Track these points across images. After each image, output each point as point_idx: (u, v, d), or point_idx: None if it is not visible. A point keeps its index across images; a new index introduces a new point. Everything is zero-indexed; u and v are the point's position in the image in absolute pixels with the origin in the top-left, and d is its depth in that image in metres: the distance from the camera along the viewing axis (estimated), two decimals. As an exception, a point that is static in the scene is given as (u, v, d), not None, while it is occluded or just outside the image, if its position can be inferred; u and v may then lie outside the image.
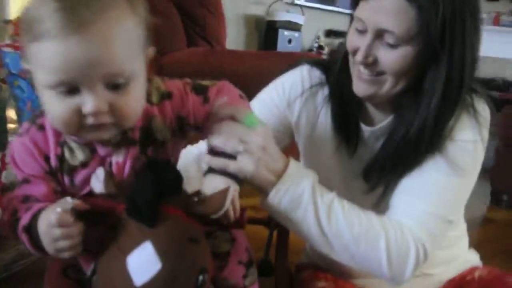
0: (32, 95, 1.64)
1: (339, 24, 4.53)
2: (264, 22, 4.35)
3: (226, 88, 0.69)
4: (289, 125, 0.91)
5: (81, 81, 0.52)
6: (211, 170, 0.65)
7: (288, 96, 0.89)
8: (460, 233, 0.94)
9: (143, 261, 0.49)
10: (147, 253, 0.49)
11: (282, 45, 4.28)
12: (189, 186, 0.60)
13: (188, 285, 0.50)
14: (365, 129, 0.85)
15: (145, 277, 0.48)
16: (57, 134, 0.60)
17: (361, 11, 0.73)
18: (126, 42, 0.54)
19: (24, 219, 0.56)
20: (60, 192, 0.62)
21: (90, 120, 0.53)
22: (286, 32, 4.27)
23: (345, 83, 0.82)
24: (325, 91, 0.88)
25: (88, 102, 0.52)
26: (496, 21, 4.97)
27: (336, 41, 4.67)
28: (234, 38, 4.31)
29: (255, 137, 0.65)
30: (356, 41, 0.75)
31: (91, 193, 0.60)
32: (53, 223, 0.51)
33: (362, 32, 0.74)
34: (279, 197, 0.69)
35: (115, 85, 0.54)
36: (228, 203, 0.57)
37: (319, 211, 0.70)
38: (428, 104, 0.73)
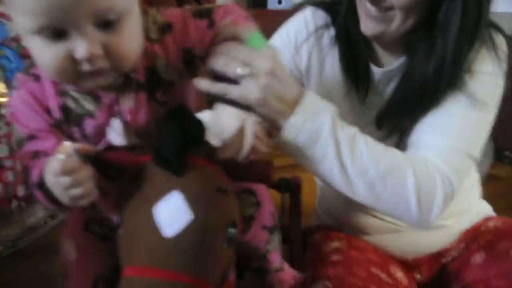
0: (20, 66, 1.57)
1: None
2: (253, -21, 4.18)
3: (232, 9, 0.60)
4: (299, 73, 0.86)
5: (67, 22, 0.45)
6: (216, 100, 0.57)
7: (294, 42, 0.84)
8: (471, 183, 0.91)
9: (171, 211, 0.45)
10: (176, 203, 0.45)
11: (272, 4, 4.15)
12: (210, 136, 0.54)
13: (219, 238, 0.47)
14: (376, 70, 0.80)
15: (175, 227, 0.45)
16: (55, 83, 0.55)
17: None
18: None
19: (34, 176, 0.53)
20: None
21: (85, 67, 0.47)
22: (276, -10, 4.13)
23: (352, 23, 0.76)
24: (331, 32, 0.82)
25: (80, 47, 0.46)
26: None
27: (328, -3, 4.53)
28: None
29: (261, 59, 0.57)
30: None
31: (112, 147, 0.56)
32: (58, 171, 0.46)
33: None
34: (295, 131, 0.61)
35: (107, 23, 0.47)
36: (249, 139, 0.52)
37: (341, 146, 0.62)
38: (445, 40, 0.68)
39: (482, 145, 0.74)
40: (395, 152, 0.68)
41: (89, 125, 0.56)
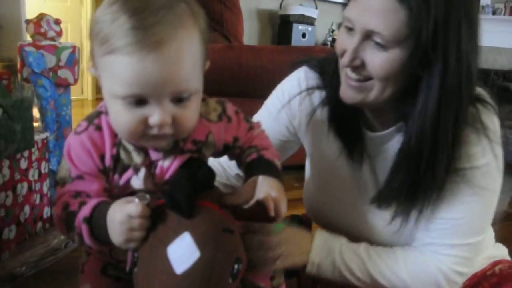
0: (54, 94, 1.66)
1: (354, 16, 4.47)
2: (277, 16, 4.33)
3: (263, 135, 0.75)
4: (293, 128, 0.92)
5: (151, 95, 0.54)
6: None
7: (287, 98, 0.90)
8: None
9: (182, 250, 0.50)
10: (186, 242, 0.50)
11: (296, 39, 4.26)
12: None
13: (225, 273, 0.51)
14: (369, 135, 0.83)
15: (185, 265, 0.49)
16: (113, 135, 0.61)
17: (350, 10, 0.70)
18: (194, 59, 0.57)
19: (85, 211, 0.58)
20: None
21: (154, 131, 0.56)
22: (300, 26, 4.24)
23: (338, 87, 0.79)
24: (322, 93, 0.87)
25: (156, 115, 0.55)
26: (512, 12, 4.87)
27: (351, 34, 4.63)
28: (248, 33, 4.29)
29: (281, 242, 0.73)
30: (344, 42, 0.72)
31: (130, 193, 0.61)
32: (136, 214, 0.53)
33: (350, 30, 0.71)
34: (315, 270, 0.81)
35: (180, 99, 0.56)
36: (258, 193, 0.58)
37: (353, 270, 0.81)
38: (423, 115, 0.69)
39: (489, 222, 0.80)
40: (395, 258, 0.81)
41: (127, 176, 0.62)
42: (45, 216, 1.57)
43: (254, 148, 0.69)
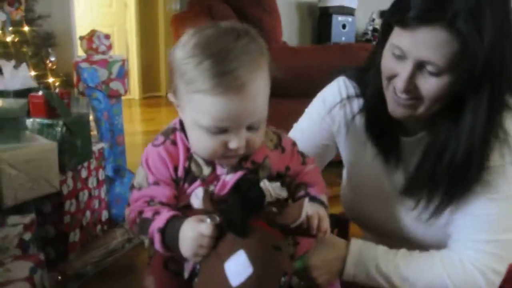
0: (107, 105, 1.79)
1: (395, 4, 4.36)
2: (316, 8, 4.30)
3: (316, 174, 0.82)
4: (330, 134, 0.97)
5: (232, 126, 0.65)
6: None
7: (328, 105, 0.95)
8: None
9: (238, 266, 0.57)
10: (241, 259, 0.58)
11: (336, 31, 4.22)
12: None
13: (274, 286, 0.59)
14: (403, 140, 0.87)
15: (240, 279, 0.57)
16: (186, 150, 0.72)
17: (399, 39, 0.72)
18: (266, 95, 0.67)
19: (159, 222, 0.66)
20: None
21: (232, 153, 0.67)
22: (339, 17, 4.20)
23: (379, 102, 0.83)
24: (360, 101, 0.92)
25: (235, 141, 0.65)
26: None
27: (392, 23, 4.51)
28: (287, 27, 4.30)
29: (319, 271, 0.79)
30: (394, 67, 0.75)
31: (187, 206, 0.69)
32: (207, 234, 0.60)
33: (400, 58, 0.74)
34: (351, 280, 0.84)
35: (252, 127, 0.67)
36: (304, 214, 0.64)
37: (390, 278, 0.82)
38: (472, 129, 0.73)
39: None
40: (432, 261, 0.81)
41: (196, 185, 0.71)
42: (103, 219, 1.70)
43: (304, 186, 0.78)
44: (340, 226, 1.19)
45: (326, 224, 0.70)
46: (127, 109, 4.66)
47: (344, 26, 4.26)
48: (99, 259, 1.50)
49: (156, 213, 0.68)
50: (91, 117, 1.77)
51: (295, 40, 4.45)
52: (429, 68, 0.70)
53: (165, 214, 0.67)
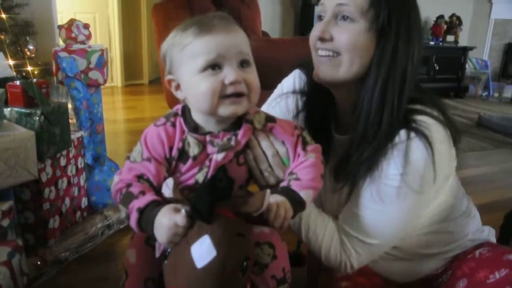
0: (87, 94, 1.81)
1: (376, -4, 4.41)
2: (299, -1, 4.33)
3: (318, 155, 0.80)
4: (288, 113, 1.03)
5: (223, 60, 0.70)
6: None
7: (285, 90, 1.03)
8: (465, 222, 0.97)
9: (203, 250, 0.63)
10: (205, 243, 0.63)
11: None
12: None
13: (236, 269, 0.64)
14: (337, 137, 0.94)
15: (204, 261, 0.62)
16: (182, 133, 0.76)
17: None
18: (245, 40, 0.74)
19: (141, 202, 0.70)
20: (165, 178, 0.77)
21: (231, 89, 0.70)
22: (321, 9, 4.25)
23: (318, 97, 0.91)
24: (303, 98, 0.98)
25: (230, 74, 0.69)
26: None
27: (373, 14, 4.57)
28: (269, 18, 4.33)
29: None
30: (316, 28, 0.85)
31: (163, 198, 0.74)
32: (181, 224, 0.64)
33: (321, 18, 0.84)
34: None
35: (243, 63, 0.72)
36: (265, 204, 0.69)
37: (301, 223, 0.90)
38: (371, 89, 0.81)
39: (390, 233, 0.86)
40: (325, 229, 0.89)
41: (188, 164, 0.76)
42: (83, 206, 1.74)
43: (293, 175, 0.77)
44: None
45: (281, 215, 0.71)
46: (109, 97, 4.64)
47: (326, 17, 4.31)
48: (78, 245, 1.54)
49: (142, 192, 0.71)
50: (70, 106, 1.79)
51: (277, 31, 4.48)
52: (344, 12, 0.80)
53: (149, 196, 0.70)
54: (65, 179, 1.58)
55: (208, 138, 0.74)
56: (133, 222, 0.70)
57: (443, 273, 0.95)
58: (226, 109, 0.71)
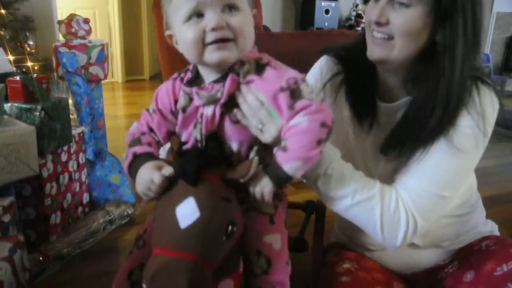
0: (87, 90, 1.80)
1: (378, -11, 4.39)
2: (300, -7, 4.31)
3: (314, 116, 0.69)
4: None
5: (204, 6, 0.68)
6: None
7: (318, 80, 0.99)
8: (471, 210, 0.98)
9: (187, 210, 0.64)
10: (190, 205, 0.64)
11: (319, 16, 4.25)
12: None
13: (219, 232, 0.65)
14: (381, 105, 0.92)
15: (188, 221, 0.63)
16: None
17: None
18: None
19: (140, 149, 0.76)
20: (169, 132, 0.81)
21: (212, 36, 0.68)
22: (323, 3, 4.22)
23: (363, 62, 0.88)
24: (341, 76, 0.96)
25: (210, 21, 0.67)
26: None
27: (375, 8, 4.55)
28: (271, 11, 4.31)
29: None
30: (371, 9, 0.83)
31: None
32: (156, 182, 0.67)
33: (376, 0, 0.82)
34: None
35: (229, 7, 0.69)
36: (251, 171, 0.70)
37: (329, 185, 0.81)
38: (450, 73, 0.78)
39: (459, 185, 0.84)
40: (374, 186, 0.81)
41: (180, 118, 0.77)
42: (84, 201, 1.74)
43: (284, 142, 0.70)
44: (317, 212, 1.25)
45: (260, 188, 0.70)
46: (110, 92, 4.63)
47: (327, 12, 4.29)
48: (80, 240, 1.54)
49: (149, 144, 0.77)
50: (70, 101, 1.79)
51: (278, 26, 4.46)
52: None
53: (149, 148, 0.76)
54: (66, 174, 1.57)
55: (194, 89, 0.74)
56: (126, 164, 0.75)
57: (449, 264, 0.95)
58: (211, 56, 0.69)
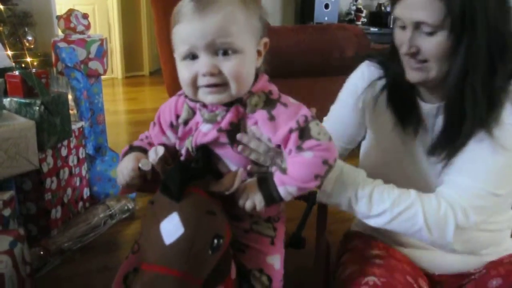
0: (87, 85, 1.80)
1: (378, -17, 4.37)
2: (299, -13, 4.29)
3: (319, 153, 0.71)
4: (360, 113, 1.04)
5: (198, 48, 0.68)
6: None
7: (355, 90, 1.03)
8: (501, 227, 0.98)
9: (171, 226, 0.64)
10: (174, 221, 0.64)
11: (319, 11, 4.23)
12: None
13: (204, 246, 0.65)
14: (423, 105, 0.94)
15: (172, 238, 0.63)
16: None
17: (398, 10, 0.85)
18: (223, 25, 0.67)
19: (138, 143, 0.82)
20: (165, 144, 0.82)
21: (203, 81, 0.69)
22: (322, -3, 4.20)
23: (400, 72, 0.91)
24: (382, 82, 0.99)
25: (202, 66, 0.68)
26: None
27: (375, 3, 4.53)
28: (270, 5, 4.29)
29: None
30: (400, 38, 0.87)
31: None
32: (126, 174, 0.74)
33: (403, 28, 0.86)
34: (324, 200, 0.86)
35: (224, 53, 0.68)
36: (236, 183, 0.69)
37: (359, 203, 0.84)
38: (457, 72, 0.81)
39: (508, 183, 0.85)
40: (409, 194, 0.84)
41: (180, 130, 0.79)
42: (85, 196, 1.74)
43: (283, 164, 0.74)
44: (320, 205, 1.24)
45: (251, 204, 0.72)
46: (109, 88, 4.62)
47: (326, 6, 4.26)
48: (81, 235, 1.54)
49: (149, 143, 0.82)
50: (70, 96, 1.79)
51: (278, 20, 4.45)
52: (424, 28, 0.81)
53: (146, 144, 0.81)
54: (66, 169, 1.58)
55: (198, 105, 0.75)
56: (121, 153, 0.80)
57: (476, 272, 0.95)
58: (204, 98, 0.71)
